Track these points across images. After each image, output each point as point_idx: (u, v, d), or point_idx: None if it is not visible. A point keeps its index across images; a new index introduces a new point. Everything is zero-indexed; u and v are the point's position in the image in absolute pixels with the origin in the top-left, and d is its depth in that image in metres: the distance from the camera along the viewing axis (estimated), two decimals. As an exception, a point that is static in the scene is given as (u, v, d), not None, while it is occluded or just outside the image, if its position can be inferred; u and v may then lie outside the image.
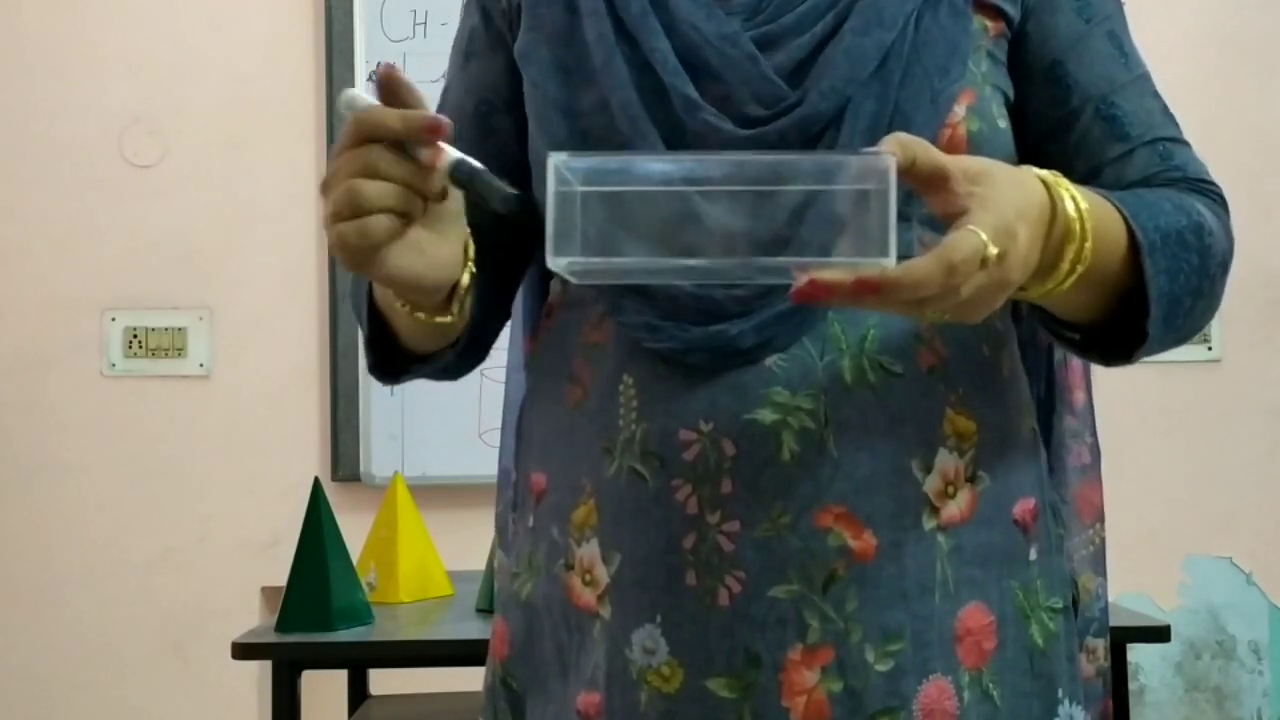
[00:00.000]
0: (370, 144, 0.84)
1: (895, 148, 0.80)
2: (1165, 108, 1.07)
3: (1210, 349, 3.05)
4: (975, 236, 0.80)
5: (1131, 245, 0.94)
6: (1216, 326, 3.05)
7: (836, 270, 0.78)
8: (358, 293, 1.06)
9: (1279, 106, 3.12)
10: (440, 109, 1.15)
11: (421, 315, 0.95)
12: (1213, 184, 1.05)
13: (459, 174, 0.85)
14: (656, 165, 0.83)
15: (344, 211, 0.84)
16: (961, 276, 0.79)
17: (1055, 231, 0.88)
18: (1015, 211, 0.83)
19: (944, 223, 0.83)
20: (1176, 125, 1.07)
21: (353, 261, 0.86)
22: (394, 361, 1.06)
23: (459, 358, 1.07)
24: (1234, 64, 3.11)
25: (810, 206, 0.79)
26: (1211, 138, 3.01)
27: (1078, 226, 0.88)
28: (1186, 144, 1.07)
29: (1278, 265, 3.09)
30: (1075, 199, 0.89)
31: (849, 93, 0.98)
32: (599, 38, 1.03)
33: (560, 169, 0.80)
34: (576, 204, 0.79)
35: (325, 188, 0.86)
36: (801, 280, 0.78)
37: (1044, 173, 0.90)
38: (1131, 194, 0.98)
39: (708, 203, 0.79)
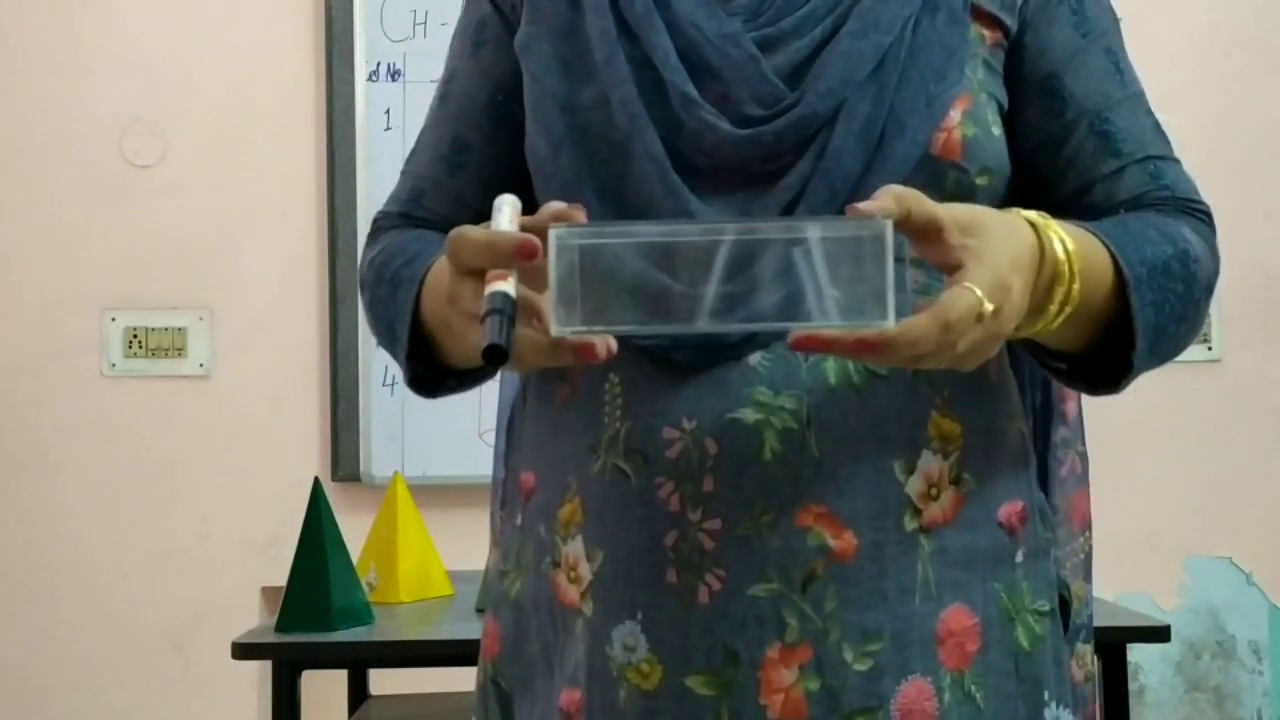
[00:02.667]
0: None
1: (890, 201, 0.81)
2: (1158, 125, 1.08)
3: (1210, 349, 3.05)
4: (971, 294, 0.81)
5: (1118, 279, 0.95)
6: (1216, 326, 3.05)
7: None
8: (393, 309, 1.05)
9: (1279, 106, 3.12)
10: (445, 97, 1.15)
11: None
12: (1201, 203, 1.06)
13: (486, 305, 0.82)
14: (656, 230, 0.83)
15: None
16: (957, 334, 0.81)
17: (1044, 274, 0.89)
18: (1009, 264, 0.84)
19: (939, 271, 0.85)
20: (1168, 143, 1.08)
21: None
22: (432, 377, 1.05)
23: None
24: (1235, 64, 3.11)
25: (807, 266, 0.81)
26: (1212, 138, 3.02)
27: (1066, 269, 0.89)
28: (1177, 161, 1.07)
29: (1278, 265, 3.09)
30: (1064, 240, 0.90)
31: (845, 95, 0.98)
32: (601, 34, 1.03)
33: (563, 238, 0.80)
34: (578, 275, 0.80)
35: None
36: (801, 333, 0.80)
37: (1032, 215, 0.91)
38: (1118, 224, 0.99)
39: (710, 267, 0.80)
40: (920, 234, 0.83)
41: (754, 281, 0.80)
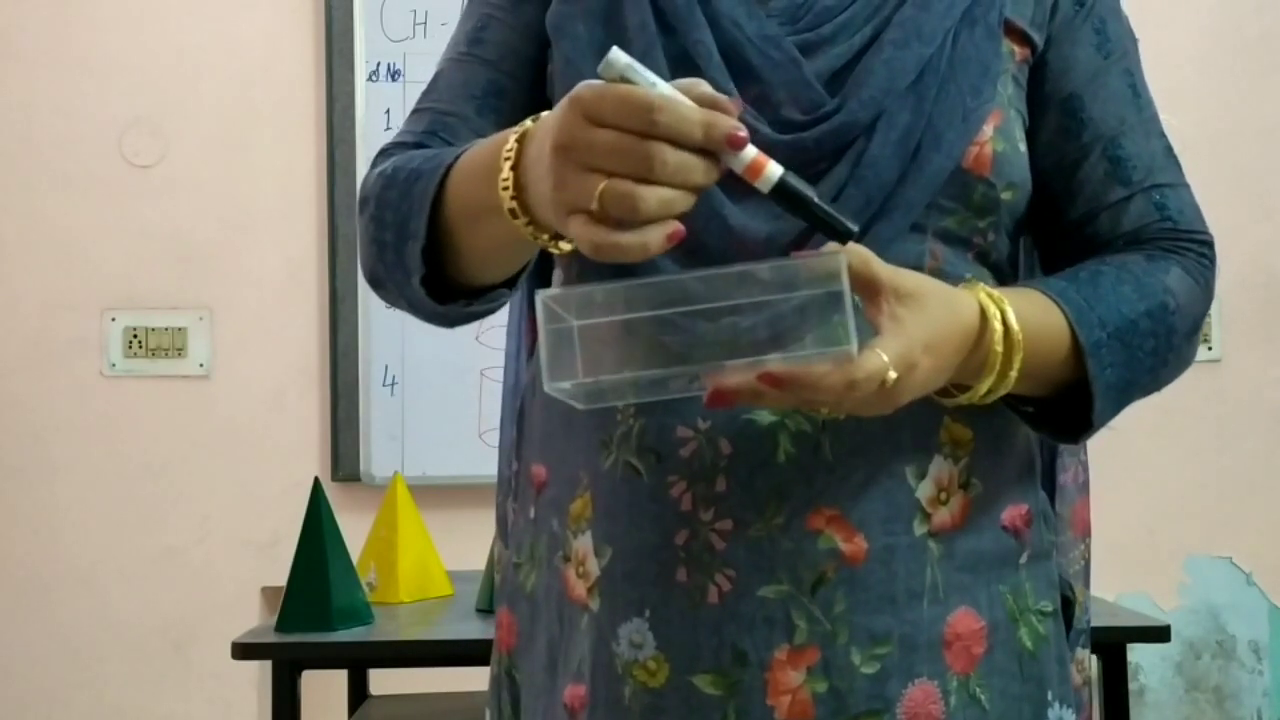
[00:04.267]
0: (654, 140, 0.77)
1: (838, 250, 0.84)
2: (1168, 148, 1.09)
3: (1210, 349, 3.05)
4: (881, 360, 0.84)
5: (1076, 345, 0.97)
6: (1216, 326, 3.05)
7: (765, 367, 0.82)
8: (407, 206, 0.98)
9: (1279, 107, 3.12)
10: (478, 41, 1.11)
11: (545, 237, 0.89)
12: (1200, 234, 1.07)
13: (782, 196, 0.82)
14: (638, 287, 0.85)
15: (607, 214, 0.77)
16: (858, 391, 0.84)
17: (974, 360, 0.92)
18: (923, 344, 0.87)
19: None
20: (1177, 167, 1.09)
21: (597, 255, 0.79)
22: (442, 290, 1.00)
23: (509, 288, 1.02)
24: (1235, 65, 3.11)
25: (778, 310, 0.84)
26: (1213, 138, 3.02)
27: (997, 360, 0.92)
28: (1185, 187, 1.08)
29: (1278, 265, 3.09)
30: (1009, 329, 0.92)
31: (885, 104, 0.98)
32: (640, 25, 1.02)
33: (549, 305, 0.82)
34: (573, 338, 0.83)
35: (574, 163, 0.78)
36: (713, 390, 0.83)
37: (987, 298, 0.93)
38: (1091, 282, 1.00)
39: (687, 319, 0.83)
40: (861, 288, 0.86)
41: (727, 328, 0.83)
